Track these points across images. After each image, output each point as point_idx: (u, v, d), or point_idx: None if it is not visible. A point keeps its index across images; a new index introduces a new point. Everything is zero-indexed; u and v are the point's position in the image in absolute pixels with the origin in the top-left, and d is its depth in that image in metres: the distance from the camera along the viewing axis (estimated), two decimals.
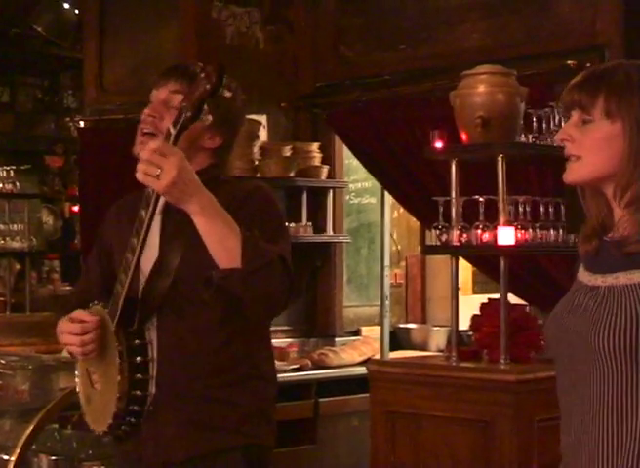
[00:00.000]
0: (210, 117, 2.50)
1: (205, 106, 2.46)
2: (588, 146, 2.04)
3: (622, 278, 1.99)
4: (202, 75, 2.45)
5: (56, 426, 4.19)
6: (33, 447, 3.88)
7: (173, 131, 2.47)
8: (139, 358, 2.59)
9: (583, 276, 2.11)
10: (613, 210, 2.09)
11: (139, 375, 2.58)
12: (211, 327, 2.64)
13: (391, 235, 6.52)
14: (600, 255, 2.09)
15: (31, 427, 3.62)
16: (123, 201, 2.94)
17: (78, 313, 2.65)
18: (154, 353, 2.62)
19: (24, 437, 3.59)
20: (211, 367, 2.64)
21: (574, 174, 2.07)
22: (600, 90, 2.03)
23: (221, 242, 2.47)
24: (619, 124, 2.01)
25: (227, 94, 2.57)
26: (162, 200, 2.54)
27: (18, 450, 3.55)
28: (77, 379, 2.79)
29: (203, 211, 2.45)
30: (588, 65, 4.83)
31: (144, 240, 2.53)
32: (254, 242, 2.48)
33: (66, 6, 7.52)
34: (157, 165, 2.40)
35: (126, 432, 2.64)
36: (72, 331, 2.62)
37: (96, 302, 2.70)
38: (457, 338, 4.35)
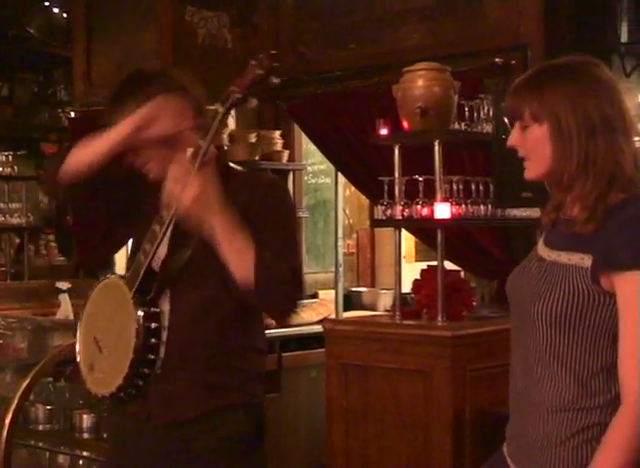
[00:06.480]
0: (255, 101, 2.35)
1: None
2: (530, 148, 2.03)
3: (564, 257, 1.99)
4: (254, 61, 2.34)
5: (50, 379, 4.15)
6: (31, 397, 3.85)
7: (221, 109, 2.34)
8: (154, 324, 2.42)
9: (540, 246, 2.11)
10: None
11: (153, 340, 2.42)
12: (220, 300, 2.45)
13: (344, 210, 6.52)
14: (554, 231, 2.08)
15: (28, 380, 3.57)
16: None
17: None
18: (166, 321, 2.44)
19: (22, 389, 3.54)
20: (217, 336, 2.47)
21: (528, 172, 2.06)
22: (523, 97, 2.01)
23: (239, 255, 2.33)
24: (546, 125, 1.99)
25: (275, 80, 2.42)
26: None
27: (16, 401, 3.51)
28: (78, 350, 2.59)
29: (222, 229, 2.31)
30: (513, 62, 4.86)
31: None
32: (266, 259, 2.35)
33: (56, 10, 7.44)
34: (181, 184, 2.27)
35: (130, 395, 2.46)
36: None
37: (109, 275, 2.57)
38: (400, 300, 4.36)
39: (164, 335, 2.44)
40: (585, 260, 1.94)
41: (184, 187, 2.27)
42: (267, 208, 2.48)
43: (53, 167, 2.52)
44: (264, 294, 2.39)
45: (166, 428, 2.47)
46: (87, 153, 2.46)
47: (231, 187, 2.46)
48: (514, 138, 2.06)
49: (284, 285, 2.40)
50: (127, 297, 2.45)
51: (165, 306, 2.47)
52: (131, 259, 2.60)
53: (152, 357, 2.43)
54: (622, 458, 1.87)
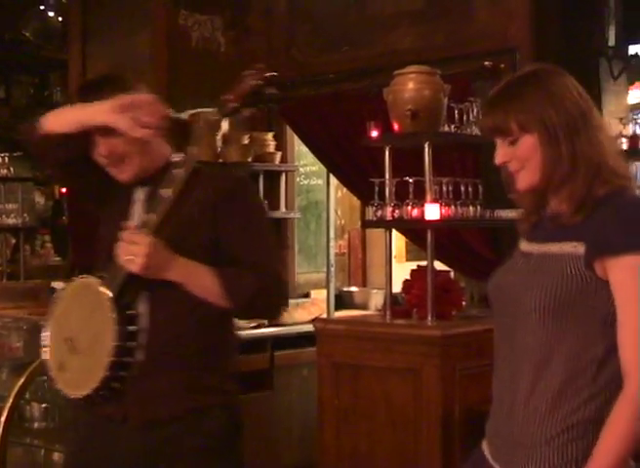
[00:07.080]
0: (250, 110, 2.39)
1: None
2: (524, 158, 2.02)
3: (554, 248, 1.99)
4: (249, 72, 2.36)
5: (45, 378, 4.14)
6: (26, 396, 3.85)
7: (218, 117, 2.37)
8: (132, 327, 2.41)
9: (522, 244, 2.12)
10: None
11: (131, 343, 2.40)
12: (198, 300, 2.44)
13: (336, 211, 6.52)
14: (537, 227, 2.09)
15: (24, 379, 3.56)
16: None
17: None
18: (145, 323, 2.43)
19: (18, 387, 3.53)
20: (196, 336, 2.46)
21: (522, 182, 2.05)
22: (505, 111, 2.01)
23: (205, 291, 2.42)
24: (536, 134, 2.00)
25: (273, 91, 2.45)
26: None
27: (12, 399, 3.50)
28: (46, 348, 2.54)
29: (180, 277, 2.41)
30: (502, 66, 4.87)
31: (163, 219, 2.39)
32: (231, 281, 2.42)
33: (51, 14, 7.46)
34: (131, 252, 2.36)
35: (104, 397, 2.42)
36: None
37: (85, 275, 2.54)
38: (391, 299, 4.36)
39: (142, 338, 2.43)
40: (578, 248, 1.95)
41: (133, 256, 2.36)
42: (235, 208, 2.48)
43: (31, 125, 2.57)
44: (245, 310, 2.47)
45: (143, 429, 2.44)
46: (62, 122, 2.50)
47: (194, 184, 2.44)
48: (503, 155, 2.05)
49: (260, 294, 2.43)
50: (105, 299, 2.42)
51: (143, 308, 2.45)
52: (100, 257, 2.59)
53: (129, 360, 2.41)
54: (623, 444, 1.88)
